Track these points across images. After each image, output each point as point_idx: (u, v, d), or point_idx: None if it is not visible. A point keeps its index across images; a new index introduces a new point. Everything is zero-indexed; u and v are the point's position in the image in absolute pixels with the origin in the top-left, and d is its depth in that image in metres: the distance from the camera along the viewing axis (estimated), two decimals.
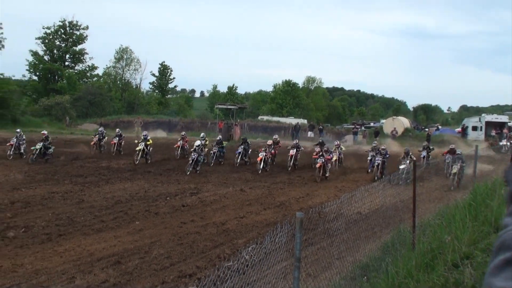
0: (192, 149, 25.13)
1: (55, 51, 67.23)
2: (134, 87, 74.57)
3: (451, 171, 20.67)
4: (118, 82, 73.22)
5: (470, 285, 6.35)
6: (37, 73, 66.25)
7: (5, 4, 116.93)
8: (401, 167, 21.63)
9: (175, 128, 53.08)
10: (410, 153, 25.18)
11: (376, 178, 22.89)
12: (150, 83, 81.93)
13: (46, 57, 66.66)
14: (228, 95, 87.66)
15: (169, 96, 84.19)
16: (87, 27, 68.56)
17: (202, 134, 29.97)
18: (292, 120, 62.37)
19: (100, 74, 72.89)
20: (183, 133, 32.02)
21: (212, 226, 13.68)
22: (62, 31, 67.10)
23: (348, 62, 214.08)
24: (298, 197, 19.02)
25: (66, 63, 68.55)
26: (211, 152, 27.58)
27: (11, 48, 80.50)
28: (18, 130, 26.66)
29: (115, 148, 29.37)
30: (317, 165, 23.76)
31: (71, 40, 67.56)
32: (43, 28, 66.25)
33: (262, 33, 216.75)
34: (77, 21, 67.93)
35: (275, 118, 66.03)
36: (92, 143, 29.68)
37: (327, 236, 8.32)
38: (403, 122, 55.48)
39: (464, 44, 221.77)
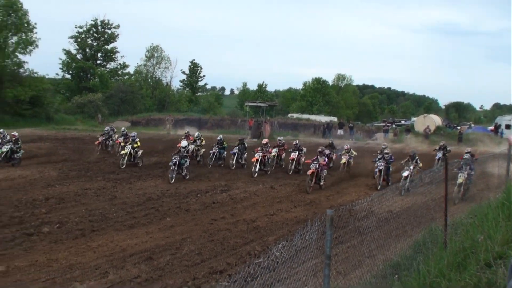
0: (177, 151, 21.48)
1: (87, 50, 68.14)
2: (164, 85, 75.25)
3: (456, 180, 16.83)
4: (149, 80, 74.02)
5: (503, 285, 6.26)
6: (70, 72, 67.18)
7: (39, 6, 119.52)
8: (404, 174, 19.48)
9: (205, 126, 53.31)
10: (416, 157, 21.32)
11: (379, 186, 20.52)
12: (180, 81, 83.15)
13: (78, 56, 67.59)
14: (258, 92, 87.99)
15: (199, 93, 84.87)
16: (118, 26, 69.40)
17: (197, 134, 28.21)
18: (322, 118, 62.12)
19: (131, 72, 73.99)
20: (187, 130, 31.34)
21: (243, 223, 13.76)
22: (94, 30, 68.01)
23: (379, 60, 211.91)
24: (328, 195, 18.98)
25: (98, 62, 69.46)
26: (210, 152, 25.22)
27: (45, 48, 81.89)
28: (1, 130, 23.09)
29: (120, 147, 27.23)
30: (309, 172, 19.59)
31: (102, 39, 68.45)
32: (76, 27, 67.36)
33: (292, 30, 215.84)
34: (108, 20, 68.88)
35: (305, 116, 65.83)
36: (97, 142, 28.20)
37: (357, 234, 8.29)
38: (434, 120, 54.71)
39: (497, 41, 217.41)
